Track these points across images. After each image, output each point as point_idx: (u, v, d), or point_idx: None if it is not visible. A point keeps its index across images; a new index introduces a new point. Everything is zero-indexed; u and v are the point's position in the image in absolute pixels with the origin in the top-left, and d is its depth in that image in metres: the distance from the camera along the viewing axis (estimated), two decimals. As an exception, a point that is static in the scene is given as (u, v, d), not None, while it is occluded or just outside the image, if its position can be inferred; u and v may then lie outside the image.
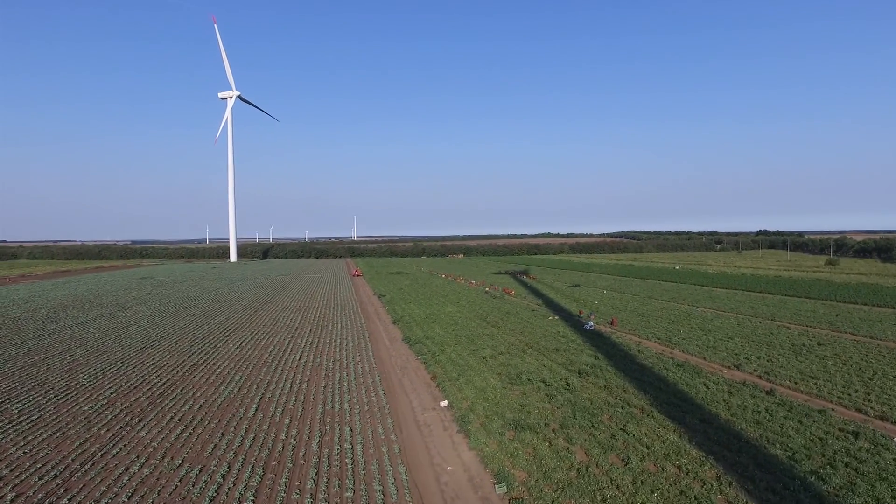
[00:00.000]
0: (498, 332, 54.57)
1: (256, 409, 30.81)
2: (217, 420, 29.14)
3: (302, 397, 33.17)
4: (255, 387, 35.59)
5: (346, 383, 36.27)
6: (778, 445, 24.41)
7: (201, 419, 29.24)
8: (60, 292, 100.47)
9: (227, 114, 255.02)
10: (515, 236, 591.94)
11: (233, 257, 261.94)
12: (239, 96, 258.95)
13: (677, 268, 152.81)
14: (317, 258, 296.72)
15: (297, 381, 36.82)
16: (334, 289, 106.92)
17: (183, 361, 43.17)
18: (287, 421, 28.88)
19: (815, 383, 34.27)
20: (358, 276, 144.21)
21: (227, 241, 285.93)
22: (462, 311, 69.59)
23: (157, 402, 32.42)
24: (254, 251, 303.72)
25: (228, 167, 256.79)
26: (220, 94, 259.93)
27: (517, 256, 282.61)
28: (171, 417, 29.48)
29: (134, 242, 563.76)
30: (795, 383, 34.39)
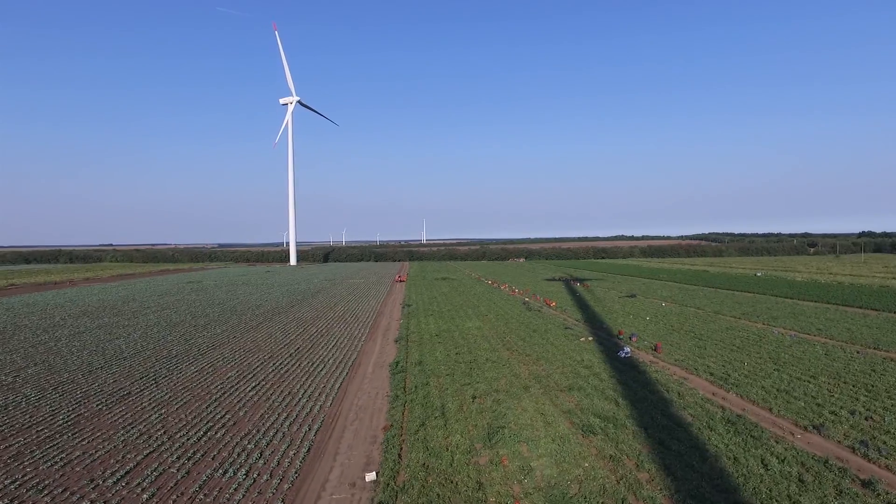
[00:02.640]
0: (510, 357, 44.86)
1: (127, 473, 23.36)
2: (61, 489, 21.90)
3: (200, 454, 25.42)
4: (160, 433, 28.31)
5: (272, 432, 28.24)
6: None
7: (43, 488, 22.12)
8: (97, 297, 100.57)
9: (288, 117, 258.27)
10: (586, 239, 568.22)
11: (292, 261, 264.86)
12: (299, 101, 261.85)
13: (759, 274, 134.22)
14: (376, 261, 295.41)
15: (218, 427, 29.23)
16: (364, 296, 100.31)
17: (121, 388, 37.00)
18: (147, 496, 21.15)
19: (946, 469, 22.29)
20: (401, 281, 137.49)
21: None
22: (483, 328, 60.16)
23: (24, 454, 25.76)
24: (315, 255, 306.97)
25: (288, 171, 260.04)
26: (282, 100, 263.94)
27: (580, 261, 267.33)
28: (6, 486, 22.55)
29: (220, 245, 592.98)
30: (912, 467, 22.56)
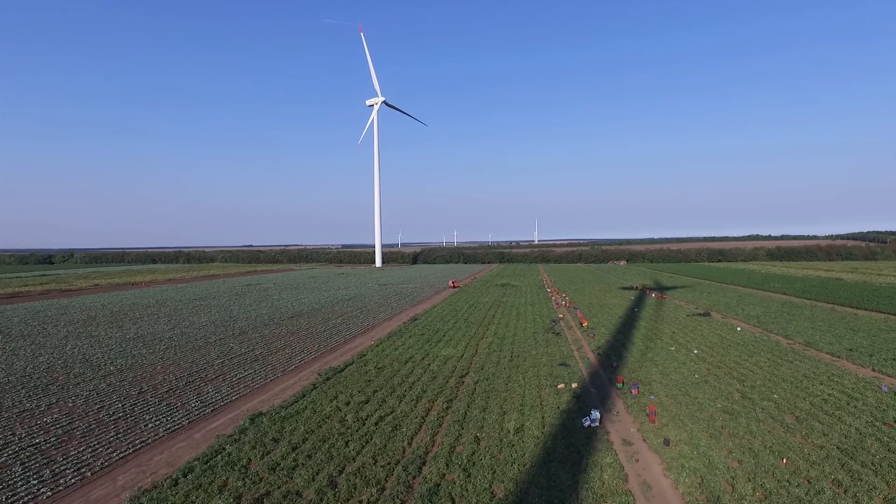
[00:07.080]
0: (425, 416, 31.01)
1: None
2: None
3: None
4: None
5: None
6: None
7: None
8: (132, 301, 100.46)
9: (374, 115, 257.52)
10: (712, 239, 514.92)
11: (378, 263, 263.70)
12: (384, 101, 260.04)
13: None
14: (465, 263, 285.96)
15: None
16: (389, 305, 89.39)
17: None
18: None
19: None
20: (454, 287, 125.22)
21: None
22: (458, 357, 46.35)
23: None
24: (404, 257, 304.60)
25: (374, 172, 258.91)
26: (368, 101, 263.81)
27: (686, 264, 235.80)
28: None
29: (344, 246, 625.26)
30: None
